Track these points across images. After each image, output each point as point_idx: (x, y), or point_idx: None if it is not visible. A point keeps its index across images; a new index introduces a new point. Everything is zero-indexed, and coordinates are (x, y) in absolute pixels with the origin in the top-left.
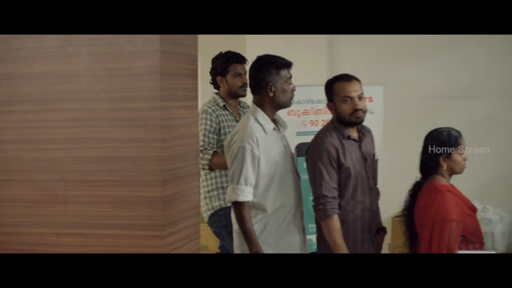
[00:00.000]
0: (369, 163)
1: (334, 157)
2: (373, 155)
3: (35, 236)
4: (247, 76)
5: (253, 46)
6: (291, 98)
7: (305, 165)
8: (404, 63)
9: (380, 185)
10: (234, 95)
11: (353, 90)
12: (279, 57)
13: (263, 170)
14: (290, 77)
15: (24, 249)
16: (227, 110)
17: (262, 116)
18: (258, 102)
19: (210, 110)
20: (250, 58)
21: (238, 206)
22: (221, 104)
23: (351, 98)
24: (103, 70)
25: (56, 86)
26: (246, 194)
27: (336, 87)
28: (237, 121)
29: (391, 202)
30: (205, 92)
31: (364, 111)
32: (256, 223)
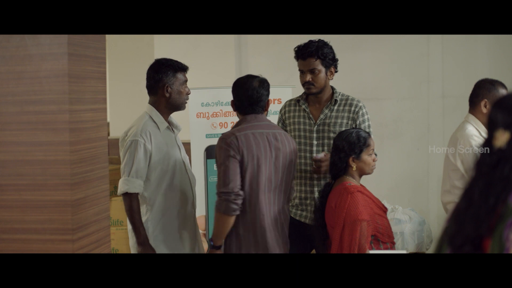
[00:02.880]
0: None
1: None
2: None
3: None
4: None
5: (161, 47)
6: (186, 101)
7: (215, 167)
8: None
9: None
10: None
11: None
12: (176, 61)
13: (156, 165)
14: (186, 81)
15: None
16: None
17: (157, 115)
18: (154, 103)
19: None
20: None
21: (129, 197)
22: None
23: None
24: (10, 73)
25: None
26: (136, 186)
27: None
28: None
29: None
30: (113, 95)
31: None
32: (149, 220)
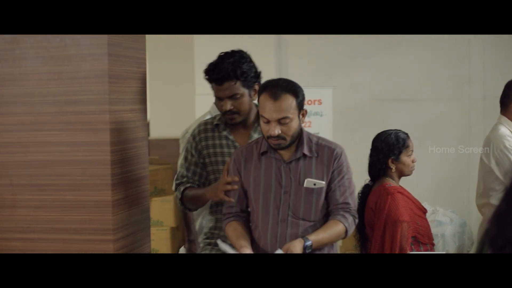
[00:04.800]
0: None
1: None
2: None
3: None
4: (242, 100)
5: (201, 47)
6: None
7: None
8: (353, 66)
9: None
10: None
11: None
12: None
13: None
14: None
15: None
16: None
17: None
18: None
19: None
20: (199, 59)
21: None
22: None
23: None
24: (50, 73)
25: (2, 89)
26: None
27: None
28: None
29: None
30: (153, 95)
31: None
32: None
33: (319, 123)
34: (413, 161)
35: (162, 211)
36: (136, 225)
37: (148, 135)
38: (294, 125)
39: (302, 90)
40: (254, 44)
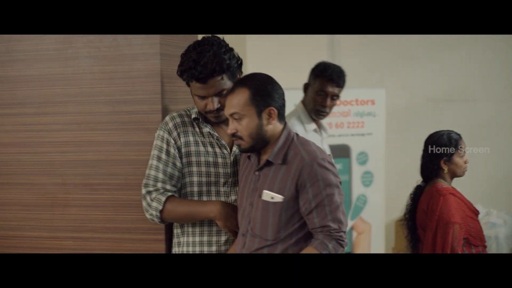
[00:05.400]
0: None
1: None
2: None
3: (35, 240)
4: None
5: (253, 47)
6: (317, 109)
7: None
8: (406, 66)
9: (382, 189)
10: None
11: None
12: (322, 67)
13: None
14: (324, 89)
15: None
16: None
17: (305, 116)
18: (305, 103)
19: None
20: (251, 59)
21: None
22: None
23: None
24: (102, 73)
25: (55, 89)
26: None
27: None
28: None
29: (394, 206)
30: None
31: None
32: None
33: (372, 123)
34: (465, 162)
35: None
36: None
37: None
38: (250, 123)
39: (268, 86)
40: (306, 44)
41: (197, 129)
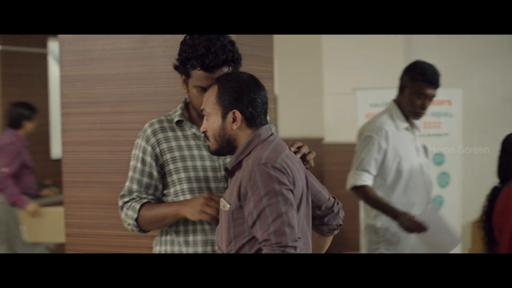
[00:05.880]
0: None
1: None
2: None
3: (111, 238)
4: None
5: (329, 46)
6: (417, 110)
7: None
8: (483, 65)
9: (459, 190)
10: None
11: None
12: (421, 67)
13: (390, 165)
14: (424, 92)
15: (100, 251)
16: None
17: (398, 115)
18: (398, 102)
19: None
20: (327, 58)
21: (361, 190)
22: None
23: None
24: (176, 72)
25: (132, 88)
26: (364, 179)
27: None
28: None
29: (471, 207)
30: (282, 94)
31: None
32: (381, 221)
33: (448, 124)
34: None
35: None
36: None
37: (277, 134)
38: (214, 124)
39: (240, 88)
40: (382, 43)
41: (179, 133)
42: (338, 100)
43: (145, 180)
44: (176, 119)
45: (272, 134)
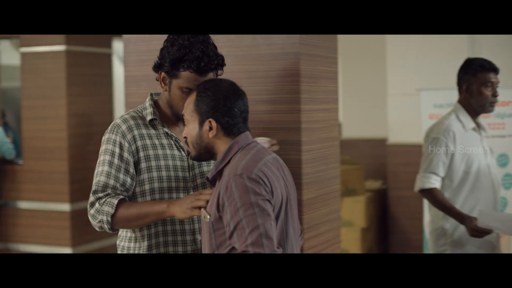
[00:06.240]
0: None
1: None
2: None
3: None
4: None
5: (393, 47)
6: (487, 104)
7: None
8: None
9: None
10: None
11: None
12: (483, 61)
13: (457, 166)
14: (490, 82)
15: None
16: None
17: (464, 115)
18: (462, 102)
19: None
20: (392, 59)
21: (429, 193)
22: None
23: None
24: (242, 72)
25: None
26: (432, 182)
27: None
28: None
29: None
30: (345, 95)
31: None
32: (449, 223)
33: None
34: None
35: (353, 211)
36: (327, 225)
37: (340, 134)
38: (192, 131)
39: (217, 97)
40: (447, 43)
41: (152, 131)
42: (402, 100)
43: (122, 176)
44: (148, 117)
45: (252, 141)
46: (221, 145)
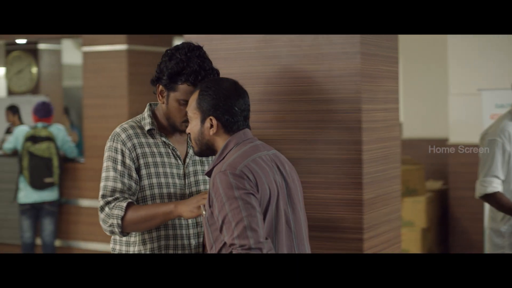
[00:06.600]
0: None
1: None
2: None
3: None
4: None
5: (455, 46)
6: None
7: None
8: None
9: None
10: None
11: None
12: None
13: None
14: None
15: None
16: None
17: None
18: None
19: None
20: (453, 59)
21: (492, 197)
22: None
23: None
24: (303, 72)
25: (256, 87)
26: (494, 186)
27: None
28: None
29: None
30: (406, 95)
31: None
32: (506, 226)
33: None
34: None
35: (414, 211)
36: (387, 225)
37: (400, 134)
38: (194, 128)
39: (217, 95)
40: (509, 43)
41: (150, 140)
42: (463, 100)
43: (126, 181)
44: (147, 127)
45: (248, 138)
46: (221, 142)
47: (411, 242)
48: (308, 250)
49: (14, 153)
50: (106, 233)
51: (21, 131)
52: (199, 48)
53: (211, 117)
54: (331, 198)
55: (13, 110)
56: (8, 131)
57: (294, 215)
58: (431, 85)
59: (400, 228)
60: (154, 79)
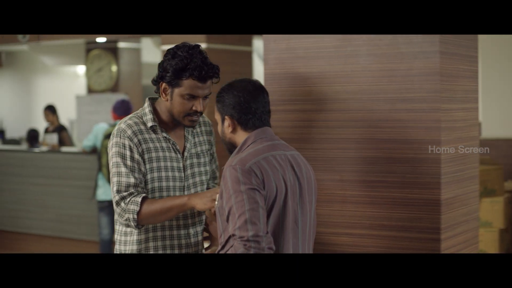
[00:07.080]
0: None
1: None
2: None
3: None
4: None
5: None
6: None
7: None
8: None
9: None
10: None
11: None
12: None
13: None
14: None
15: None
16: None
17: None
18: None
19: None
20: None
21: None
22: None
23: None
24: (382, 71)
25: (335, 86)
26: None
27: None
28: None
29: None
30: (486, 94)
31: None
32: None
33: None
34: None
35: (492, 212)
36: (465, 225)
37: (479, 134)
38: (219, 129)
39: (229, 95)
40: None
41: (153, 135)
42: None
43: (137, 175)
44: (149, 124)
45: (266, 136)
46: (240, 139)
47: (488, 243)
48: (310, 251)
49: (93, 150)
50: (121, 226)
51: (101, 128)
52: (198, 46)
53: (227, 116)
54: (408, 197)
55: (52, 110)
56: (47, 131)
57: (303, 215)
58: (510, 85)
59: (478, 228)
60: (157, 78)
